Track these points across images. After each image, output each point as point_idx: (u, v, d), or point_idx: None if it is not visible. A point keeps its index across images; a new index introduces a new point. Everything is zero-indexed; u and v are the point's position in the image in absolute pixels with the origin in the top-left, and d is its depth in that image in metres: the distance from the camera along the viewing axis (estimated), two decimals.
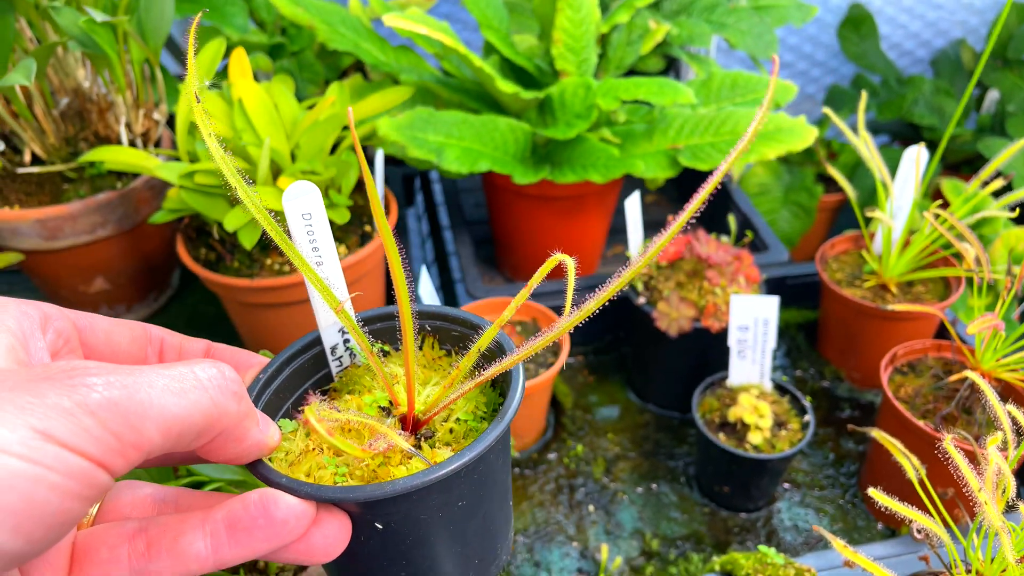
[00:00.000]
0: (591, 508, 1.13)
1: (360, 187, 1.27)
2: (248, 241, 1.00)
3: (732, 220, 1.25)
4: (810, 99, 2.67)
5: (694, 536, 1.10)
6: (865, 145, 1.20)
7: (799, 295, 1.41)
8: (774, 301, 1.06)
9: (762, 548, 0.93)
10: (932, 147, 2.41)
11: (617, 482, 1.17)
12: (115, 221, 1.26)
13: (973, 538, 0.76)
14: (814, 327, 1.39)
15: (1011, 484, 0.71)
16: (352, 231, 1.19)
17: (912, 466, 0.79)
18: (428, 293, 1.07)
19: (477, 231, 1.66)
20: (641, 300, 1.17)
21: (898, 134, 2.44)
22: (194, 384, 0.37)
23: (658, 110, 1.38)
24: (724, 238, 1.22)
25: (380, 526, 0.48)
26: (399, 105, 1.24)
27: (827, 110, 1.23)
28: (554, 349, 1.18)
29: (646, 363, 1.25)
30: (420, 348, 0.61)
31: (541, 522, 1.11)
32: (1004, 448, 0.74)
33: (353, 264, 1.12)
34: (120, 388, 0.33)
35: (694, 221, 1.34)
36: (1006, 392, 1.05)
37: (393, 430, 0.50)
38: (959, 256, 1.22)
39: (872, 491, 0.71)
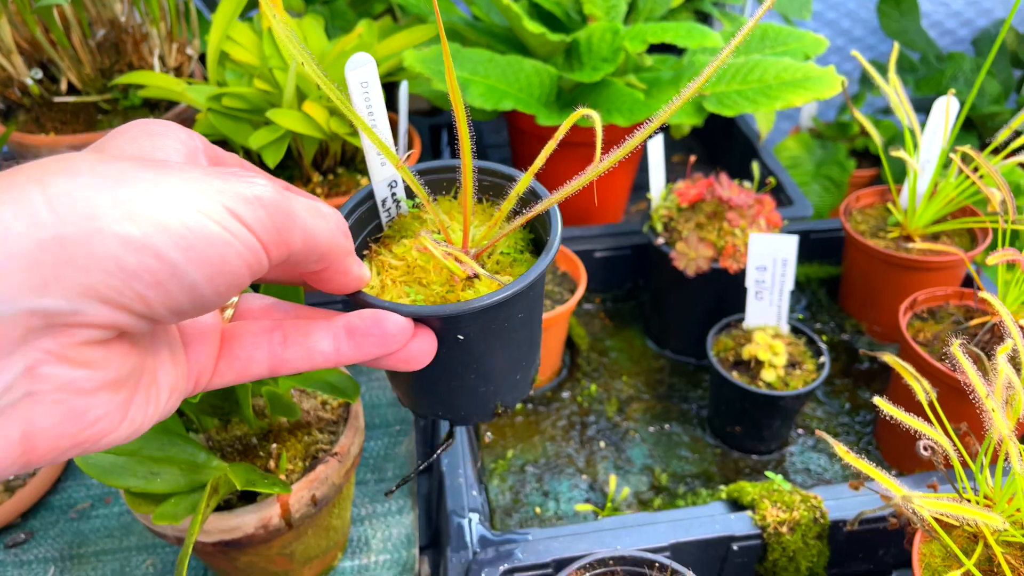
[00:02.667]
0: (602, 444, 1.14)
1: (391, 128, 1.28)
2: (272, 160, 1.02)
3: (756, 167, 1.25)
4: (848, 75, 2.63)
5: (704, 474, 1.09)
6: (895, 91, 1.18)
7: (822, 250, 1.40)
8: (793, 240, 1.06)
9: (769, 474, 0.93)
10: (970, 126, 2.37)
11: (629, 421, 1.17)
12: None
13: (982, 459, 0.75)
14: (836, 282, 1.38)
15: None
16: None
17: (923, 389, 0.78)
18: None
19: None
20: (660, 240, 1.17)
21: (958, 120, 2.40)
22: (324, 213, 0.44)
23: (686, 59, 1.38)
24: (747, 184, 1.21)
25: (461, 337, 0.58)
26: (425, 42, 1.25)
27: (863, 61, 1.22)
28: (571, 287, 1.19)
29: (663, 307, 1.25)
30: (454, 197, 0.69)
31: (552, 455, 1.12)
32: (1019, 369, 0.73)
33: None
34: (282, 195, 0.40)
35: (708, 162, 1.33)
36: None
37: (447, 255, 0.58)
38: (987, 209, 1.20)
39: (878, 399, 0.70)
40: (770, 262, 1.08)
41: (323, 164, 1.17)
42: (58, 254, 0.35)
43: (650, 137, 1.22)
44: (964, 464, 0.80)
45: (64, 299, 0.35)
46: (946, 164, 1.21)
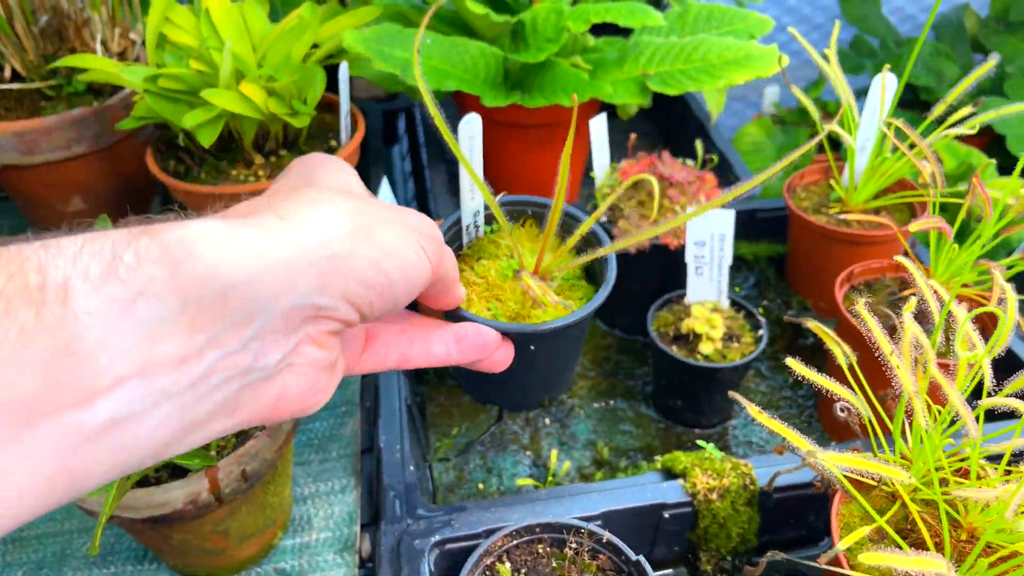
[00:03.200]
0: (547, 421, 1.14)
1: (331, 108, 1.28)
2: (206, 139, 1.02)
3: (699, 145, 1.25)
4: (808, 64, 2.65)
5: (647, 448, 1.10)
6: (832, 70, 1.20)
7: (770, 229, 1.41)
8: (729, 215, 1.07)
9: (701, 443, 0.94)
10: (928, 109, 2.39)
11: (575, 398, 1.18)
12: (90, 138, 1.28)
13: (903, 421, 0.77)
14: (783, 260, 1.39)
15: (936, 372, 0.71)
16: (317, 145, 1.21)
17: (843, 353, 0.80)
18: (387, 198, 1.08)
19: (455, 167, 1.67)
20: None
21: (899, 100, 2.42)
22: (451, 250, 0.62)
23: (632, 40, 1.39)
24: (690, 162, 1.22)
25: (532, 347, 0.75)
26: (368, 23, 1.25)
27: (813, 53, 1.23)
28: None
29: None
30: (523, 225, 0.87)
31: (497, 433, 1.13)
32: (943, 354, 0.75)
33: None
34: (440, 235, 0.57)
35: (660, 145, 1.34)
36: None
37: (530, 284, 0.75)
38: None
39: (790, 360, 0.71)
40: (708, 237, 1.09)
41: (265, 146, 1.17)
42: (332, 266, 0.49)
43: (592, 117, 1.23)
44: (889, 429, 0.82)
45: (331, 298, 0.49)
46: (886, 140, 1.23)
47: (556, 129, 1.38)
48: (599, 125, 1.21)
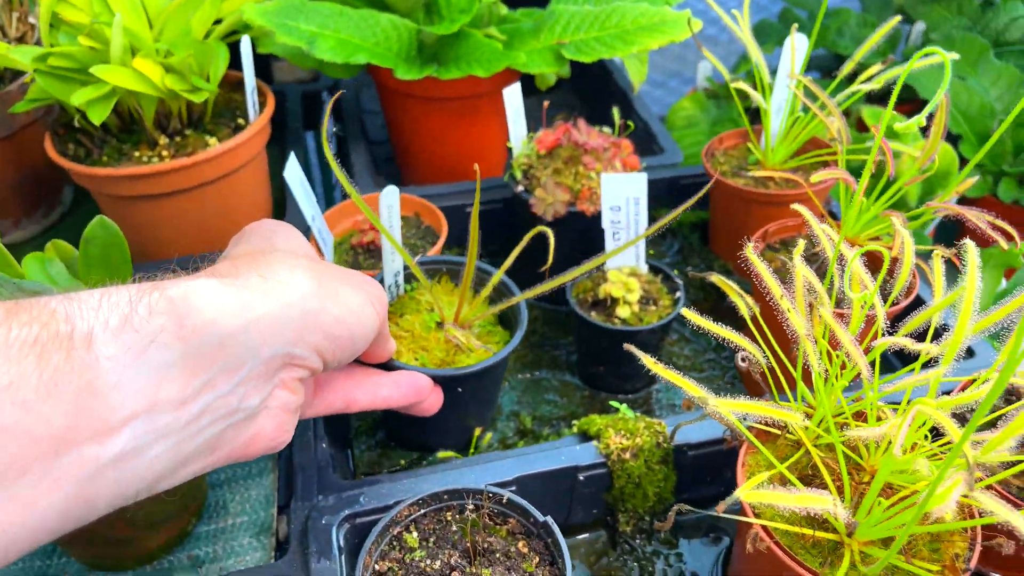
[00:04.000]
0: None
1: (240, 87, 1.25)
2: (97, 116, 0.98)
3: (616, 113, 1.25)
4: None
5: (571, 416, 1.10)
6: (738, 27, 1.20)
7: (692, 196, 1.41)
8: (642, 178, 1.06)
9: (614, 404, 0.94)
10: (854, 78, 2.42)
11: None
12: None
13: (802, 368, 0.77)
14: (706, 226, 1.39)
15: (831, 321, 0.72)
16: (224, 123, 1.17)
17: (746, 304, 0.79)
18: (296, 178, 1.06)
19: (381, 150, 1.64)
20: (520, 188, 1.16)
21: (823, 66, 2.44)
22: (385, 298, 0.72)
23: (548, 10, 1.37)
24: (607, 129, 1.22)
25: (460, 389, 0.89)
26: None
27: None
28: (433, 239, 1.18)
29: (531, 255, 1.25)
30: (439, 282, 1.03)
31: None
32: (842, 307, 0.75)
33: (224, 153, 1.10)
34: (382, 291, 0.71)
35: (577, 113, 1.33)
36: (872, 261, 1.06)
37: (456, 334, 0.92)
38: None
39: (686, 311, 0.71)
40: (623, 202, 1.08)
41: (168, 126, 1.14)
42: (306, 321, 0.59)
43: (507, 87, 1.21)
44: (795, 379, 0.82)
45: (303, 349, 0.59)
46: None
47: (475, 102, 1.37)
48: (513, 94, 1.19)
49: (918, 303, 1.02)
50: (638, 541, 0.90)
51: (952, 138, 2.07)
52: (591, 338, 1.08)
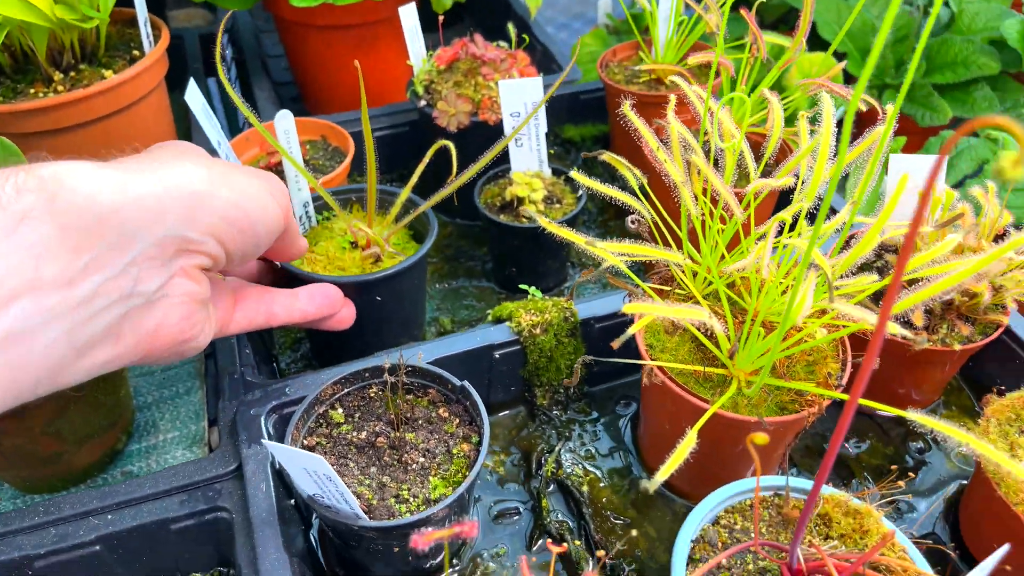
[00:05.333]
0: None
1: (134, 23, 1.24)
2: None
3: (511, 28, 1.29)
4: None
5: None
6: None
7: (594, 111, 1.47)
8: (537, 82, 1.11)
9: (524, 286, 0.99)
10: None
11: None
12: None
13: (686, 220, 0.83)
14: (608, 139, 1.45)
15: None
16: (119, 56, 1.17)
17: (634, 176, 0.85)
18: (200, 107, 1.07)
19: (285, 91, 1.65)
20: (422, 103, 1.19)
21: None
22: (286, 192, 0.73)
23: None
24: (503, 44, 1.26)
25: (379, 297, 0.93)
26: None
27: None
28: (341, 159, 1.20)
29: (440, 171, 1.28)
30: (351, 211, 1.06)
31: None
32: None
33: (121, 84, 1.10)
34: (283, 185, 0.72)
35: (472, 30, 1.36)
36: (756, 148, 1.13)
37: (366, 230, 0.96)
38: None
39: (574, 173, 0.76)
40: (522, 107, 1.13)
41: (62, 61, 1.12)
42: (196, 202, 0.58)
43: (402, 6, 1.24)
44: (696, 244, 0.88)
45: (199, 233, 0.58)
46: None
47: (373, 28, 1.38)
48: (409, 13, 1.22)
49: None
50: (555, 412, 0.96)
51: (838, 56, 2.18)
52: (502, 239, 1.12)
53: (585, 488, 0.88)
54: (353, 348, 1.00)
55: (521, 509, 0.87)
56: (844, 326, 0.69)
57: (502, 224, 1.09)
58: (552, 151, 1.45)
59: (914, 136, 2.05)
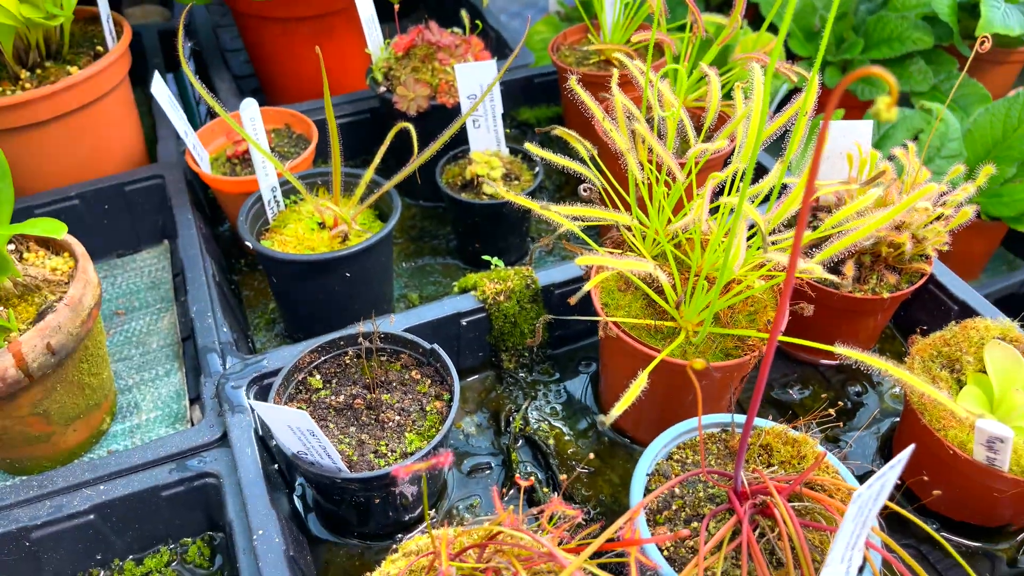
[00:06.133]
0: None
1: (96, 20, 1.27)
2: None
3: (465, 15, 1.34)
4: None
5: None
6: None
7: (547, 93, 1.53)
8: (492, 65, 1.16)
9: (487, 258, 1.05)
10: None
11: None
12: None
13: (634, 188, 0.89)
14: (563, 120, 1.51)
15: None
16: (83, 53, 1.20)
17: (585, 148, 0.91)
18: (165, 98, 1.11)
19: (247, 84, 1.68)
20: (382, 89, 1.24)
21: None
22: None
23: None
24: (457, 30, 1.31)
25: (348, 274, 0.99)
26: None
27: None
28: (306, 145, 1.24)
29: (402, 154, 1.33)
30: (317, 194, 1.10)
31: None
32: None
33: (86, 80, 1.13)
34: None
35: (426, 17, 1.41)
36: (698, 121, 1.20)
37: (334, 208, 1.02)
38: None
39: (528, 145, 0.81)
40: (478, 90, 1.18)
41: (28, 60, 1.15)
42: None
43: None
44: (637, 208, 0.94)
45: None
46: None
47: (330, 20, 1.43)
48: (365, 3, 1.27)
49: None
50: (521, 374, 1.02)
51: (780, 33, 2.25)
52: (464, 217, 1.18)
53: (551, 441, 0.94)
54: (326, 325, 1.04)
55: (493, 464, 0.93)
56: (777, 276, 0.76)
57: (463, 202, 1.14)
58: (509, 131, 1.51)
59: (855, 110, 2.14)
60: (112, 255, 1.25)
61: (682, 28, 1.39)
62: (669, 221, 0.87)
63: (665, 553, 0.66)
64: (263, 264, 1.05)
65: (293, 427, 0.71)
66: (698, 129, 1.13)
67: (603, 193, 0.87)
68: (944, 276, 1.00)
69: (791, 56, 2.29)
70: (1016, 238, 1.79)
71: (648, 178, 0.85)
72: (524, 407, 0.97)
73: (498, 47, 1.60)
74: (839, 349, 0.68)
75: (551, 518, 0.62)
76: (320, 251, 1.01)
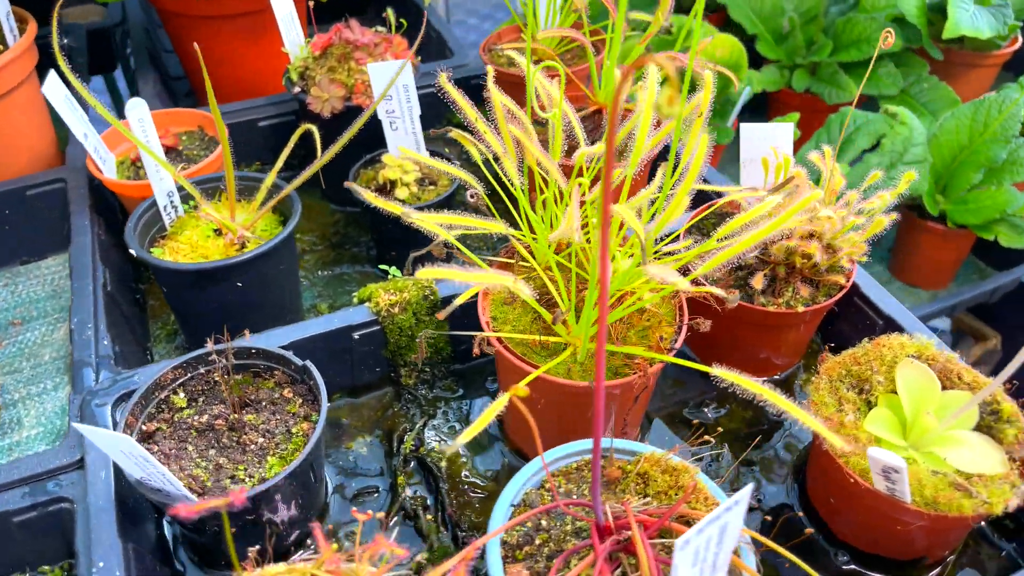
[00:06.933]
0: None
1: None
2: None
3: (390, 13, 1.28)
4: None
5: None
6: None
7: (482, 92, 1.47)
8: (403, 63, 1.10)
9: (383, 267, 0.99)
10: None
11: (302, 271, 1.20)
12: None
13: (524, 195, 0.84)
14: None
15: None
16: None
17: (479, 150, 0.85)
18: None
19: (181, 85, 1.63)
20: (296, 90, 1.19)
21: None
22: None
23: None
24: (381, 29, 1.25)
25: (239, 284, 0.94)
26: None
27: None
28: (216, 149, 1.19)
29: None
30: (220, 200, 1.06)
31: None
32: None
33: None
34: None
35: (346, 15, 1.35)
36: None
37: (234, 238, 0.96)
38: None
39: (428, 128, 0.76)
40: (394, 91, 1.13)
41: None
42: None
43: None
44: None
45: None
46: None
47: (259, 17, 1.37)
48: (282, 1, 1.21)
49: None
50: (422, 391, 0.97)
51: (749, 38, 2.21)
52: (378, 224, 1.12)
53: (444, 464, 0.88)
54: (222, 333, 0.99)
55: (381, 488, 0.87)
56: (676, 290, 0.70)
57: (375, 209, 1.09)
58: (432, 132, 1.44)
59: (821, 113, 2.08)
60: (15, 262, 1.20)
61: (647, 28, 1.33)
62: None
63: None
64: (154, 273, 1.00)
65: (126, 452, 0.65)
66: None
67: (487, 199, 0.81)
68: (869, 289, 0.94)
69: (760, 59, 2.23)
70: (986, 246, 1.73)
71: (538, 184, 0.79)
72: (418, 427, 0.92)
73: (439, 48, 1.54)
74: (717, 371, 0.63)
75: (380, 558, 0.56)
76: (213, 259, 0.96)
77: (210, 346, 0.80)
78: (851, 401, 0.77)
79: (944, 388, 0.78)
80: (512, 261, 0.85)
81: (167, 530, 0.83)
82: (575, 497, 0.68)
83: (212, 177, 1.06)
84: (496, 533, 0.60)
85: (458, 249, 0.84)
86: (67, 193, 1.15)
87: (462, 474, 0.88)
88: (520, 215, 0.83)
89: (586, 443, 0.71)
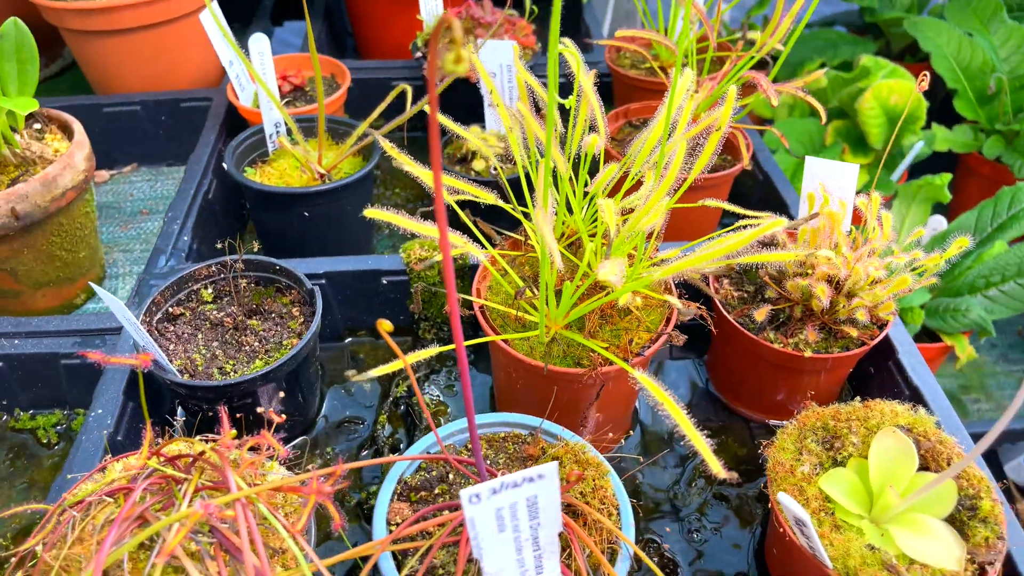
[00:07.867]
0: None
1: None
2: None
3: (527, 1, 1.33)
4: None
5: None
6: None
7: (602, 93, 1.48)
8: (510, 45, 1.15)
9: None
10: (877, 32, 2.38)
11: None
12: None
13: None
14: None
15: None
16: None
17: (484, 157, 0.89)
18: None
19: (351, 41, 1.78)
20: (419, 55, 1.27)
21: (849, 24, 2.44)
22: None
23: None
24: (514, 12, 1.31)
25: (307, 213, 1.06)
26: None
27: None
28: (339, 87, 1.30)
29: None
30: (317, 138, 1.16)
31: None
32: None
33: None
34: None
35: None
36: None
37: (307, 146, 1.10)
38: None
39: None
40: (497, 68, 1.18)
41: None
42: None
43: None
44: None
45: None
46: None
47: None
48: None
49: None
50: (435, 347, 1.01)
51: (948, 91, 2.05)
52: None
53: (426, 415, 0.93)
54: (292, 254, 1.07)
55: (367, 421, 0.94)
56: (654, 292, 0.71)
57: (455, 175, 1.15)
58: None
59: (1008, 185, 1.88)
60: (162, 163, 1.39)
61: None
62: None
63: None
64: (243, 190, 1.12)
65: (128, 320, 0.76)
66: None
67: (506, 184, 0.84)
68: (905, 354, 0.87)
69: (955, 117, 2.06)
70: None
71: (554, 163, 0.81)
72: (417, 376, 0.97)
73: (578, 42, 1.57)
74: (637, 374, 0.62)
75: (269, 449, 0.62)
76: (292, 186, 1.06)
77: (236, 256, 0.90)
78: (814, 453, 0.73)
79: (927, 469, 0.72)
80: (522, 239, 0.88)
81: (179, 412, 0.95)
82: (489, 462, 0.70)
83: (313, 117, 1.17)
84: (393, 461, 0.64)
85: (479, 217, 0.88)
86: (209, 110, 1.31)
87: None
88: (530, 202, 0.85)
89: (520, 417, 0.73)
